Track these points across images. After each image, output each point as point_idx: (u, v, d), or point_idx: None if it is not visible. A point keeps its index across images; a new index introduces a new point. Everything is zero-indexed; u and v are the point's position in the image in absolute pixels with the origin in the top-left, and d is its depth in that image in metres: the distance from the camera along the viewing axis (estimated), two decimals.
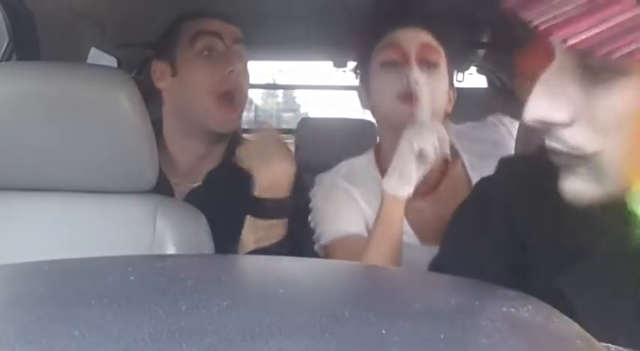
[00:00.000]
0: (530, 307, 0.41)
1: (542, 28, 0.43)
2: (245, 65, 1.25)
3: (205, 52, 1.19)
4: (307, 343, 0.30)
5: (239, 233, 1.12)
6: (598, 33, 0.41)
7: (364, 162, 1.25)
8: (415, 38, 1.12)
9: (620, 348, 0.43)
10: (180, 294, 0.37)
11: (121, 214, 0.96)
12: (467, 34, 1.82)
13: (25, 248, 0.91)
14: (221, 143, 1.27)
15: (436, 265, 0.82)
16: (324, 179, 1.23)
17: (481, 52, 2.23)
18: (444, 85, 1.15)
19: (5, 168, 0.94)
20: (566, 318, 0.41)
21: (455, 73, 1.34)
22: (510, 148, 1.18)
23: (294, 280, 0.47)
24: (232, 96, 1.21)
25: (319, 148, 2.11)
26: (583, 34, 0.41)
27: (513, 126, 1.23)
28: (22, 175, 0.95)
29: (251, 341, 0.30)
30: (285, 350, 0.30)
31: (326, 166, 1.43)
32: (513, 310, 0.39)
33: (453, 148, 1.14)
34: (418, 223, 1.15)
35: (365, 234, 1.12)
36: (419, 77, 1.06)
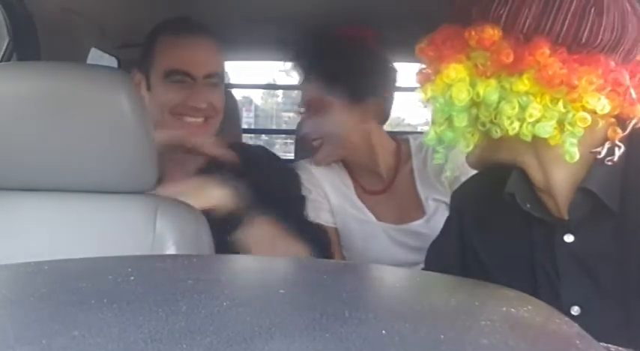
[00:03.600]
0: (530, 307, 0.41)
1: None
2: (218, 94, 1.25)
3: (176, 85, 1.21)
4: (307, 343, 0.30)
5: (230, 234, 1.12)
6: None
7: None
8: None
9: (620, 348, 0.43)
10: (180, 294, 0.37)
11: (121, 214, 0.96)
12: None
13: (25, 248, 0.91)
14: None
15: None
16: (302, 167, 1.41)
17: None
18: None
19: (5, 168, 0.94)
20: (566, 318, 0.41)
21: None
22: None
23: (294, 280, 0.47)
24: (197, 122, 1.22)
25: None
26: None
27: None
28: (22, 175, 0.95)
29: (251, 341, 0.30)
30: (285, 350, 0.30)
31: None
32: (513, 310, 0.39)
33: (406, 152, 1.41)
34: (376, 211, 1.38)
35: (330, 224, 1.36)
36: None
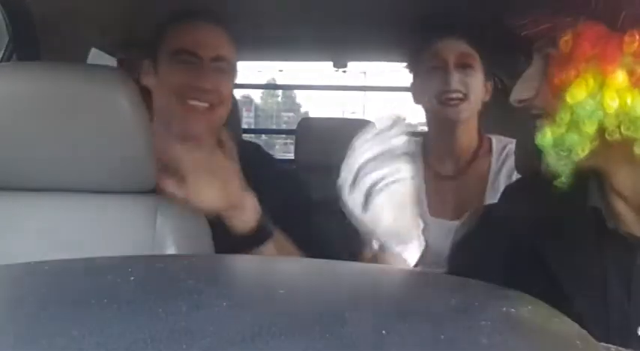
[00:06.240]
0: (530, 307, 0.41)
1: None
2: (226, 81, 1.23)
3: (182, 66, 1.19)
4: (307, 344, 0.30)
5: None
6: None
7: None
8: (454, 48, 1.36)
9: (620, 348, 0.43)
10: (180, 294, 0.37)
11: (121, 214, 0.96)
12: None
13: (25, 248, 0.91)
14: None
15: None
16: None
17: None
18: (479, 82, 1.39)
19: (5, 168, 0.94)
20: (566, 318, 0.41)
21: None
22: None
23: (294, 280, 0.47)
24: (202, 106, 1.19)
25: (319, 148, 2.10)
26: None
27: None
28: (22, 175, 0.95)
29: (251, 341, 0.30)
30: (285, 350, 0.30)
31: (326, 167, 1.42)
32: (513, 310, 0.39)
33: (487, 143, 1.42)
34: (435, 200, 1.35)
35: None
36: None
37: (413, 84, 1.47)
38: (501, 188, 1.29)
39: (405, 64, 1.50)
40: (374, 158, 0.75)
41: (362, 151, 0.76)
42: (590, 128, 0.68)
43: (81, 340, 0.30)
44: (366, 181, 0.75)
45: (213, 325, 0.32)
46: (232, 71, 1.26)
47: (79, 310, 0.34)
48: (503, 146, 1.41)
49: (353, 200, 0.75)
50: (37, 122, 0.91)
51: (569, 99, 0.68)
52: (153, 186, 0.98)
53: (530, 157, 0.96)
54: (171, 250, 0.94)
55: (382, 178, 0.75)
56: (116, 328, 0.31)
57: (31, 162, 0.93)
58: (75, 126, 0.91)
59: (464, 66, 1.36)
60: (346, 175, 0.75)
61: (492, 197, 1.32)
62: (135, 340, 0.30)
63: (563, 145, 0.70)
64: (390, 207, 0.76)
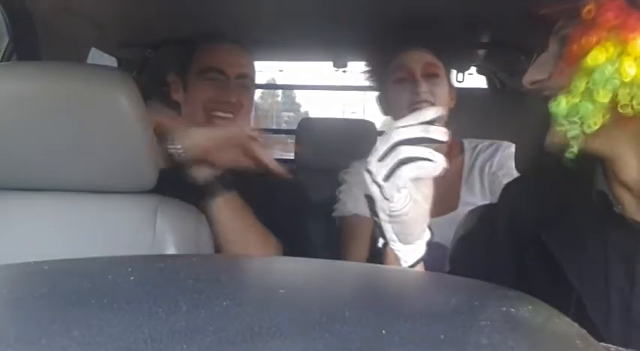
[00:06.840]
0: (530, 307, 0.41)
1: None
2: (248, 95, 1.38)
3: (210, 82, 1.34)
4: (307, 343, 0.31)
5: None
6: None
7: None
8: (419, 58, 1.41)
9: (620, 348, 0.43)
10: (180, 294, 0.37)
11: (121, 214, 0.96)
12: (465, 35, 1.83)
13: (25, 248, 0.91)
14: None
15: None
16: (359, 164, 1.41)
17: (481, 52, 2.22)
18: (445, 90, 1.43)
19: (5, 168, 0.94)
20: (566, 318, 0.41)
21: (455, 74, 1.51)
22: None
23: (294, 280, 0.48)
24: (227, 116, 1.33)
25: (319, 148, 2.10)
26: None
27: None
28: (23, 175, 0.95)
29: (251, 341, 0.30)
30: (285, 350, 0.30)
31: (326, 167, 1.43)
32: (513, 310, 0.39)
33: (459, 146, 1.49)
34: None
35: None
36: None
37: (380, 96, 1.51)
38: (476, 182, 1.43)
39: (367, 75, 1.54)
40: (413, 140, 0.73)
41: (404, 130, 0.73)
42: (604, 98, 0.68)
43: (81, 340, 0.30)
44: (402, 152, 0.70)
45: (213, 325, 0.32)
46: (253, 86, 1.42)
47: (79, 310, 0.34)
48: (475, 146, 1.49)
49: (379, 167, 0.70)
50: (37, 122, 0.91)
51: (589, 61, 0.68)
52: (153, 186, 0.98)
53: (530, 153, 0.97)
54: (171, 250, 0.94)
55: (416, 157, 0.73)
56: (116, 328, 0.31)
57: (31, 162, 0.93)
58: (75, 126, 0.91)
59: (430, 76, 1.40)
60: (381, 146, 0.72)
61: (467, 191, 1.42)
62: (135, 340, 0.30)
63: (577, 114, 0.70)
64: (413, 181, 0.73)
